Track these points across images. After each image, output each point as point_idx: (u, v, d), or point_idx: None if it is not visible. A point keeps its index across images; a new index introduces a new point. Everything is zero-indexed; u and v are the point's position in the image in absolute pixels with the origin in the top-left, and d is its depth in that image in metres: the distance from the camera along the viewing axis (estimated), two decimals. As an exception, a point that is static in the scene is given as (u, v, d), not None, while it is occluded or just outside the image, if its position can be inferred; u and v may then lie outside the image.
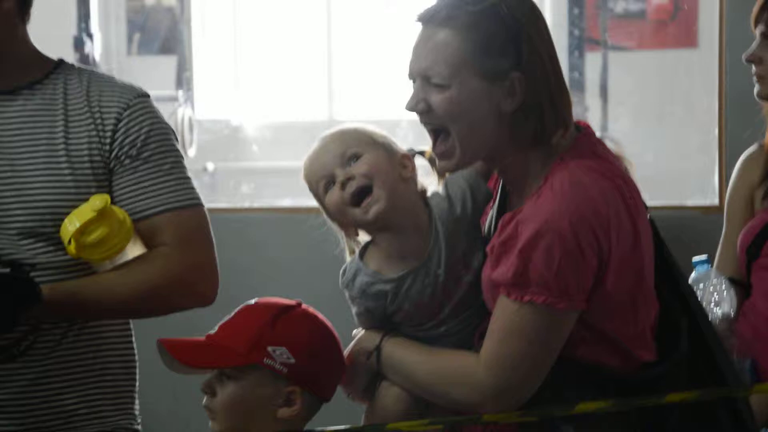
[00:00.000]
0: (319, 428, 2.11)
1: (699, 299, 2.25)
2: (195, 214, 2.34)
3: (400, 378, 2.15)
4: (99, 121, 2.31)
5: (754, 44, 2.81)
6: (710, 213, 3.47)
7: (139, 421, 2.44)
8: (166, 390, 3.65)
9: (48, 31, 5.38)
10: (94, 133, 2.30)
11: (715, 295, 2.74)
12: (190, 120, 5.08)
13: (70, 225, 2.21)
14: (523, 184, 2.09)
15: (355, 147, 2.10)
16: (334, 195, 2.10)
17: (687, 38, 4.92)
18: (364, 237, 2.20)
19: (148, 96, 2.37)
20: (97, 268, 2.30)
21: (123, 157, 2.30)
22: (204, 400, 2.17)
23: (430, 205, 2.14)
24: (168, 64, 5.39)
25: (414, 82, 2.08)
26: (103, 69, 5.15)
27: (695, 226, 3.54)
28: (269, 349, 2.13)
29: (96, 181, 2.30)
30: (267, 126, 5.42)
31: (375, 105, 5.46)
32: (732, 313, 2.72)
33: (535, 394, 2.06)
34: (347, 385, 2.21)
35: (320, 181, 2.13)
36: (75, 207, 2.22)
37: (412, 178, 2.14)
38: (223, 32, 5.72)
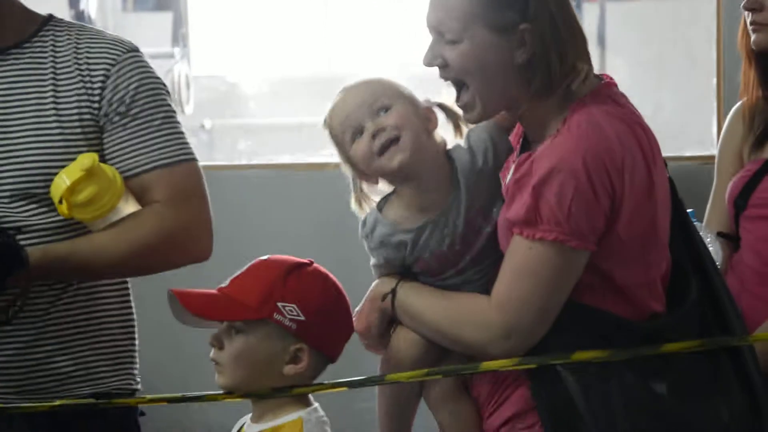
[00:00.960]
0: (317, 383, 2.13)
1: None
2: (188, 169, 2.32)
3: (412, 320, 2.17)
4: (87, 78, 2.29)
5: None
6: (708, 163, 3.46)
7: (138, 380, 2.45)
8: (166, 348, 3.66)
9: (42, -12, 5.36)
10: (82, 90, 2.28)
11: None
12: (186, 77, 5.06)
13: (61, 184, 2.20)
14: (542, 130, 2.10)
15: (385, 98, 2.13)
16: (363, 145, 2.12)
17: (685, -15, 4.90)
18: (383, 189, 2.22)
19: (138, 51, 2.34)
20: (90, 227, 2.29)
21: (112, 114, 2.28)
22: (211, 353, 2.19)
23: (453, 157, 2.17)
24: (164, 20, 5.37)
25: (432, 35, 2.11)
26: (98, 26, 5.14)
27: (694, 177, 3.53)
28: (279, 305, 2.15)
29: (86, 139, 2.28)
30: (264, 82, 5.41)
31: (375, 59, 5.44)
32: (719, 267, 2.72)
33: (542, 340, 2.07)
34: (363, 332, 2.23)
35: (347, 131, 2.14)
36: (65, 166, 2.21)
37: (435, 131, 2.18)
38: (219, -12, 5.69)
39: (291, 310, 2.15)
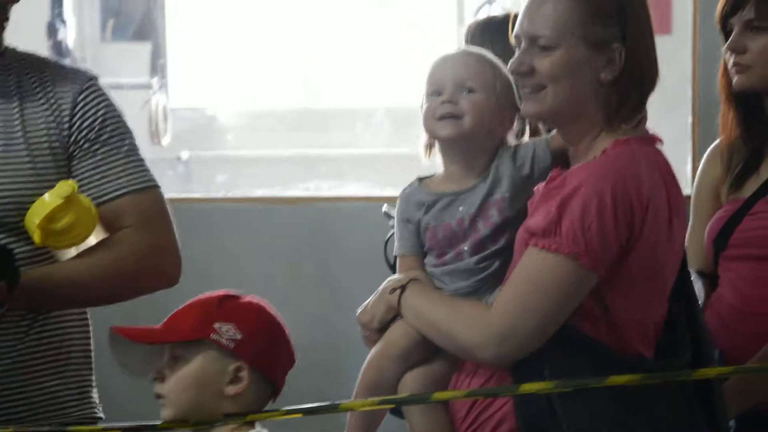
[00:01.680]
0: (270, 409, 2.14)
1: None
2: (156, 195, 2.36)
3: (414, 316, 2.21)
4: (55, 106, 2.31)
5: (735, 33, 2.79)
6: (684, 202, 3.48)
7: (100, 409, 2.45)
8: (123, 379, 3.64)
9: (20, 17, 5.36)
10: (51, 119, 2.30)
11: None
12: (164, 108, 5.06)
13: (37, 212, 2.20)
14: (585, 154, 2.16)
15: (477, 82, 2.26)
16: (432, 105, 2.27)
17: (661, 25, 4.92)
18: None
19: (98, 78, 2.39)
20: (59, 256, 2.29)
21: (82, 141, 2.31)
22: (155, 388, 2.23)
23: (499, 151, 2.27)
24: (142, 51, 5.36)
25: (520, 45, 2.17)
26: (77, 56, 5.13)
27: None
28: (216, 325, 2.22)
29: (56, 167, 2.30)
30: (242, 114, 5.41)
31: (351, 93, 5.46)
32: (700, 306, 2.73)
33: (529, 357, 2.10)
34: (366, 323, 2.27)
35: (432, 86, 2.27)
36: (37, 195, 2.22)
37: (503, 135, 2.28)
38: (198, 19, 5.69)
39: (228, 330, 2.21)
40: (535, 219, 2.10)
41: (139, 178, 2.35)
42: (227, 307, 2.25)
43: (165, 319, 2.29)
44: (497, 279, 2.22)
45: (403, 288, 2.24)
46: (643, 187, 2.07)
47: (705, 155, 2.97)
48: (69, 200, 2.20)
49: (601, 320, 2.11)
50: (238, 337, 2.21)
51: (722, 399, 2.25)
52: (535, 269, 2.09)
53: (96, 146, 2.31)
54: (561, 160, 2.27)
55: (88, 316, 2.45)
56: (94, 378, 2.46)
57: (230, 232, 3.83)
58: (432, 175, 2.34)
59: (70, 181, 2.23)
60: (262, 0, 5.58)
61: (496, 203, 2.24)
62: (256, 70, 5.57)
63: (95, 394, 2.46)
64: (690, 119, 3.84)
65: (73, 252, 2.31)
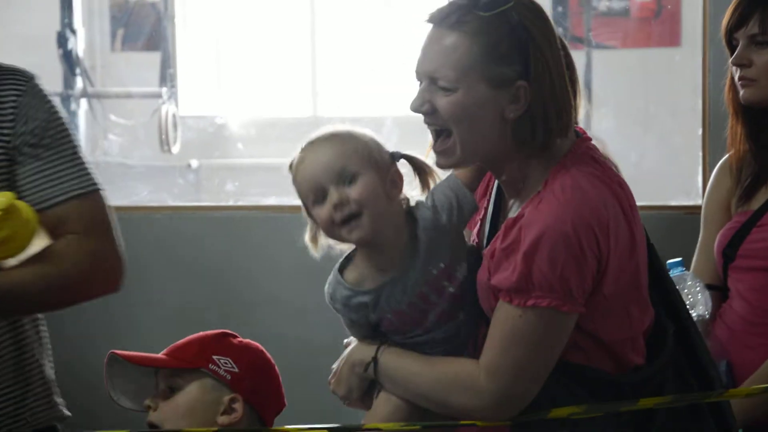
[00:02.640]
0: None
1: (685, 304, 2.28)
2: (98, 199, 2.29)
3: (399, 388, 2.15)
4: None
5: (740, 47, 2.80)
6: (693, 213, 3.47)
7: (65, 407, 2.42)
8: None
9: (31, 27, 5.38)
10: None
11: (690, 298, 2.76)
12: (174, 117, 5.07)
13: None
14: (521, 188, 2.11)
15: (352, 165, 2.08)
16: (325, 212, 2.09)
17: (671, 37, 4.94)
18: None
19: (37, 77, 2.31)
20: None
21: (23, 146, 2.25)
22: (148, 417, 2.25)
23: (415, 216, 2.14)
24: (152, 60, 5.38)
25: (420, 82, 2.11)
26: (86, 65, 5.15)
27: (678, 227, 3.55)
28: (215, 357, 2.26)
29: None
30: (251, 123, 5.41)
31: (359, 102, 5.46)
32: (707, 315, 2.74)
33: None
34: (344, 396, 2.21)
35: (310, 193, 2.11)
36: None
37: (399, 193, 2.14)
38: (208, 29, 5.71)
39: (225, 363, 2.25)
40: (502, 276, 2.03)
41: (83, 182, 2.28)
42: (226, 342, 2.29)
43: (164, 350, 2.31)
44: (473, 331, 2.15)
45: (375, 360, 2.15)
46: (600, 214, 2.02)
47: (716, 168, 2.97)
48: (7, 212, 2.14)
49: (591, 348, 2.09)
50: (236, 370, 2.25)
51: (729, 405, 2.23)
52: (514, 326, 2.03)
53: (39, 150, 2.25)
54: (476, 186, 2.22)
55: (43, 318, 2.40)
56: (54, 380, 2.42)
57: (239, 240, 3.84)
58: (350, 259, 2.16)
59: (9, 193, 2.17)
60: (271, 10, 5.59)
61: (443, 273, 2.12)
62: (265, 79, 5.58)
63: (59, 398, 2.42)
64: (700, 131, 3.84)
65: (12, 262, 2.24)
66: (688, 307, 2.69)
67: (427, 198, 2.16)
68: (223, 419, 2.22)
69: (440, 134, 2.10)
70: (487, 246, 2.12)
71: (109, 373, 2.29)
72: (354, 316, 2.15)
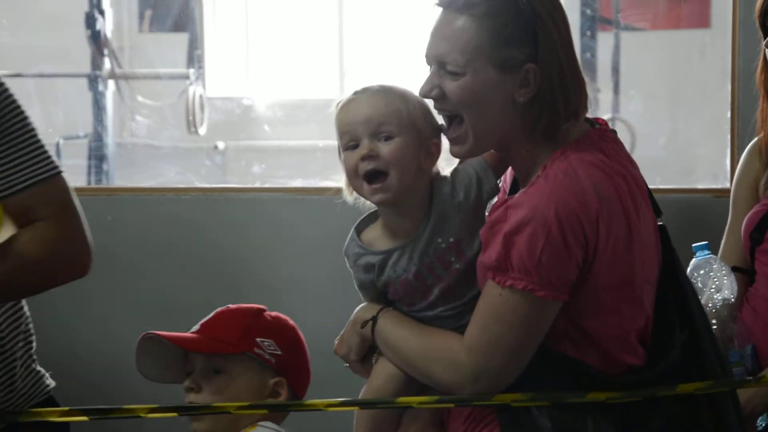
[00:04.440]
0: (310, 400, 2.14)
1: (703, 304, 2.26)
2: (61, 183, 2.27)
3: (389, 351, 2.17)
4: None
5: None
6: (721, 196, 3.45)
7: (48, 378, 2.42)
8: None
9: (60, 8, 5.39)
10: None
11: (716, 281, 2.74)
12: (201, 98, 5.07)
13: None
14: (528, 174, 2.10)
15: (392, 126, 2.10)
16: (352, 159, 2.12)
17: (700, 18, 4.90)
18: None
19: None
20: None
21: None
22: (187, 398, 2.24)
23: (434, 189, 2.15)
24: (179, 41, 5.38)
25: (430, 66, 2.10)
26: (114, 46, 5.16)
27: (706, 210, 3.53)
28: (258, 340, 2.25)
29: None
30: (278, 105, 5.41)
31: (387, 83, 5.44)
32: (732, 299, 2.72)
33: (516, 383, 2.08)
34: (344, 356, 2.24)
35: (345, 136, 2.13)
36: None
37: (432, 166, 2.15)
38: (235, 10, 5.71)
39: (269, 345, 2.24)
40: (487, 254, 2.05)
41: (44, 167, 2.25)
42: (264, 321, 2.28)
43: (196, 327, 2.29)
44: None
45: (374, 319, 2.18)
46: (590, 202, 2.00)
47: (745, 151, 2.95)
48: None
49: (581, 340, 2.08)
50: (279, 353, 2.25)
51: (737, 405, 2.20)
52: (494, 304, 2.03)
53: None
54: (503, 170, 2.21)
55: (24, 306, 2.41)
56: (34, 354, 2.42)
57: (266, 222, 3.84)
58: (371, 218, 2.21)
59: None
60: (299, -9, 5.59)
61: (451, 247, 2.13)
62: (293, 60, 5.57)
63: (39, 367, 2.43)
64: (729, 113, 3.81)
65: None
66: (713, 290, 2.68)
67: (450, 174, 2.18)
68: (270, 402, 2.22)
69: (452, 120, 2.10)
70: None
71: (139, 351, 2.29)
72: (362, 276, 2.18)
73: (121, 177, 5.10)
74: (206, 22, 5.47)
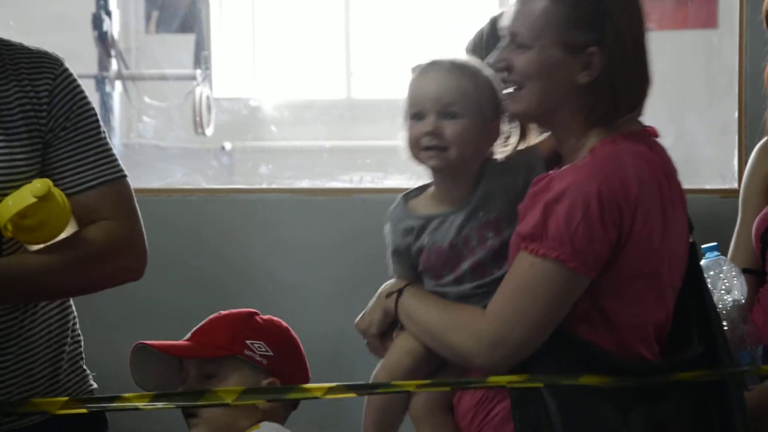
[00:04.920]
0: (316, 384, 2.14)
1: (718, 312, 2.27)
2: (126, 186, 2.31)
3: (411, 322, 2.20)
4: (32, 93, 2.25)
5: None
6: (729, 197, 3.45)
7: (92, 380, 2.43)
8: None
9: (66, 9, 5.39)
10: (28, 106, 2.24)
11: (726, 282, 2.74)
12: (208, 99, 5.08)
13: (10, 205, 2.15)
14: (574, 154, 2.13)
15: (460, 107, 2.17)
16: (416, 132, 2.19)
17: (707, 19, 4.90)
18: None
19: (64, 60, 2.32)
20: (29, 246, 2.24)
21: (58, 129, 2.25)
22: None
23: (486, 166, 2.21)
24: (186, 42, 5.39)
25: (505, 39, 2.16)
26: (121, 47, 5.16)
27: (714, 210, 3.53)
28: (248, 342, 2.25)
29: (32, 155, 2.24)
30: (285, 105, 5.42)
31: (394, 83, 5.45)
32: (742, 300, 2.72)
33: (526, 362, 2.09)
34: (364, 330, 2.26)
35: (414, 107, 2.20)
36: (11, 183, 2.17)
37: (489, 146, 2.22)
38: (242, 11, 5.71)
39: (259, 347, 2.25)
40: (524, 223, 2.08)
41: (113, 168, 2.29)
42: (255, 325, 2.29)
43: (188, 335, 2.31)
44: None
45: (399, 292, 2.21)
46: (631, 187, 2.04)
47: (754, 152, 2.95)
48: (44, 198, 2.15)
49: (599, 323, 2.09)
50: (270, 354, 2.25)
51: (741, 401, 2.21)
52: (524, 274, 2.06)
53: (72, 134, 2.25)
54: (554, 163, 2.22)
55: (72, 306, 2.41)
56: (83, 354, 2.43)
57: (273, 223, 3.84)
58: (420, 191, 2.27)
59: (47, 180, 2.17)
60: (306, -9, 5.59)
61: (491, 224, 2.18)
62: (299, 61, 5.58)
63: (87, 370, 2.43)
64: (736, 113, 3.81)
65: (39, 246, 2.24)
66: (723, 291, 2.68)
67: (504, 157, 2.23)
68: (264, 405, 2.22)
69: (518, 90, 2.15)
70: None
71: (134, 362, 2.29)
72: (399, 240, 2.23)
73: (128, 178, 5.10)
74: (213, 23, 5.48)
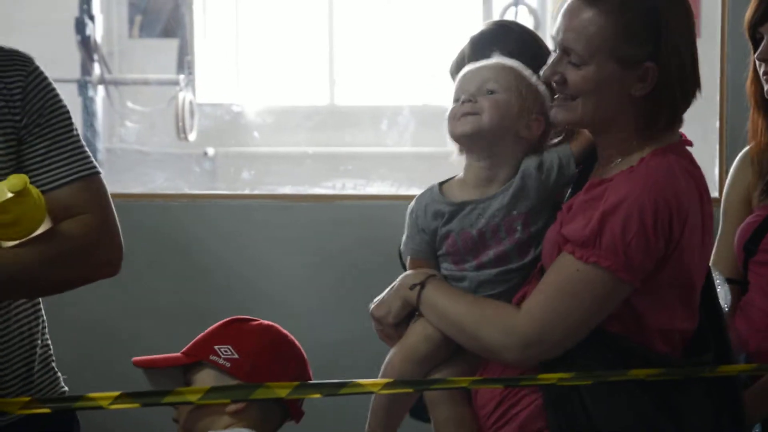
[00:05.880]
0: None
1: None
2: (99, 182, 2.31)
3: (436, 315, 2.21)
4: (5, 91, 2.26)
5: (766, 42, 2.77)
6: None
7: (62, 382, 2.43)
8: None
9: (49, 13, 5.38)
10: (2, 104, 2.25)
11: (709, 291, 2.75)
12: (191, 104, 5.07)
13: None
14: (617, 159, 2.16)
15: (498, 84, 2.23)
16: (455, 107, 2.25)
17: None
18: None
19: (34, 59, 2.33)
20: (2, 243, 2.23)
21: (32, 126, 2.26)
22: (173, 414, 2.27)
23: (523, 162, 2.24)
24: (169, 47, 5.38)
25: (555, 50, 2.17)
26: (104, 51, 5.16)
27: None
28: (216, 347, 2.25)
29: (7, 152, 2.25)
30: (268, 111, 5.42)
31: (377, 91, 5.46)
32: (726, 308, 2.73)
33: (560, 358, 2.11)
34: (381, 317, 2.26)
35: (458, 92, 2.26)
36: None
37: (530, 139, 2.24)
38: (225, 16, 5.71)
39: (226, 351, 2.25)
40: (574, 227, 2.10)
41: (86, 164, 2.29)
42: (230, 329, 2.29)
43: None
44: (515, 292, 2.21)
45: (422, 284, 2.22)
46: (683, 201, 2.08)
47: (735, 161, 2.96)
48: (20, 194, 2.14)
49: (630, 324, 2.12)
50: (235, 356, 2.25)
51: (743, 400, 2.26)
52: (569, 277, 2.08)
53: (45, 131, 2.26)
54: (584, 162, 2.27)
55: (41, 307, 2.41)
56: (53, 353, 2.43)
57: (255, 229, 3.84)
58: (453, 179, 2.30)
59: (23, 176, 2.16)
60: (289, -2, 5.60)
61: (521, 217, 2.22)
62: (283, 67, 5.58)
63: (57, 372, 2.43)
64: (717, 122, 3.83)
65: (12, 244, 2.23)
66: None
67: (539, 154, 2.26)
68: (231, 407, 2.22)
69: (570, 101, 2.16)
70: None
71: (147, 373, 2.31)
72: (425, 224, 2.25)
73: (110, 182, 5.06)
74: (196, 28, 5.47)
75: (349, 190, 4.56)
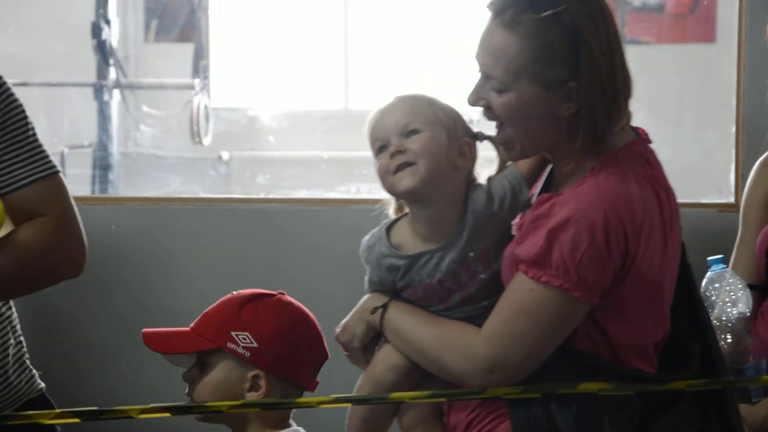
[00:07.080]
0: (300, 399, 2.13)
1: (712, 316, 2.27)
2: (59, 181, 2.28)
3: (399, 339, 2.16)
4: None
5: None
6: (726, 211, 3.45)
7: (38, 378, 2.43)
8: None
9: (66, 17, 5.40)
10: None
11: (732, 294, 2.73)
12: (206, 108, 5.08)
13: None
14: (571, 174, 2.11)
15: (419, 123, 2.13)
16: (383, 161, 2.13)
17: (706, 33, 4.91)
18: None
19: None
20: None
21: None
22: (187, 390, 2.26)
23: (469, 197, 2.15)
24: (185, 51, 5.40)
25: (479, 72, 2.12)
26: (120, 56, 5.17)
27: (710, 224, 3.53)
28: (233, 334, 2.23)
29: None
30: (283, 115, 5.42)
31: (391, 95, 5.45)
32: (747, 313, 2.71)
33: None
34: (346, 343, 2.22)
35: (376, 142, 2.15)
36: None
37: (466, 167, 2.16)
38: (241, 21, 5.72)
39: (244, 338, 2.22)
40: (525, 247, 2.04)
41: (44, 165, 2.26)
42: (246, 313, 2.25)
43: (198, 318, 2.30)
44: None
45: (385, 307, 2.17)
46: (637, 211, 2.01)
47: (755, 167, 2.94)
48: None
49: (600, 341, 2.08)
50: (254, 345, 2.22)
51: (736, 410, 2.20)
52: (524, 298, 2.03)
53: (0, 133, 2.23)
54: (535, 181, 2.21)
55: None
56: (26, 354, 2.42)
57: (270, 233, 3.84)
58: (400, 221, 2.19)
59: None
60: (305, 2, 5.60)
61: (479, 257, 2.13)
62: (298, 72, 5.58)
63: (33, 369, 2.43)
64: (734, 127, 3.81)
65: None
66: (729, 304, 2.68)
67: (485, 183, 2.17)
68: (251, 395, 2.21)
69: (501, 126, 2.12)
70: None
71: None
72: (382, 275, 2.18)
73: (125, 186, 5.11)
74: (212, 33, 5.48)
75: (364, 195, 4.56)
